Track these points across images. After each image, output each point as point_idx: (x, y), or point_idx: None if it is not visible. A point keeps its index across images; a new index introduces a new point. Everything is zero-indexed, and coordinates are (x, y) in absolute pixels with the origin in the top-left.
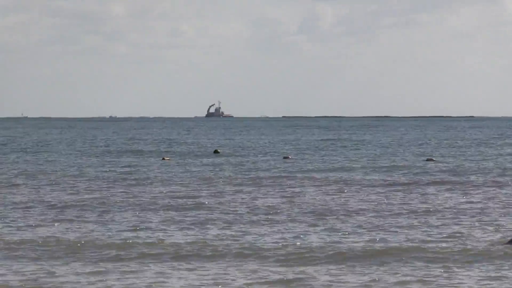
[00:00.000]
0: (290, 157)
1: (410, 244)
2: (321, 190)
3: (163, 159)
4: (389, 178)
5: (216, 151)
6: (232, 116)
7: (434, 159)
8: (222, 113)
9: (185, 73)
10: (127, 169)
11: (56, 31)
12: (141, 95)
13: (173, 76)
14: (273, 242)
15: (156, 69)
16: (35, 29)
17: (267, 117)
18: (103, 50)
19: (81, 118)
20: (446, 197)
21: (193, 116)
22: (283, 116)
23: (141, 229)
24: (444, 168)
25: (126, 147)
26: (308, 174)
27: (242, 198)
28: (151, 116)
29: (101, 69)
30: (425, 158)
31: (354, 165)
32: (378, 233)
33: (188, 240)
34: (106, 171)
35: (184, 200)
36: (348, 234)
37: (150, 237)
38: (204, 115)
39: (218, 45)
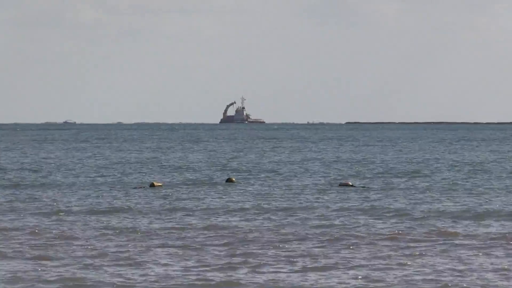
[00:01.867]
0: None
1: None
2: None
3: (152, 185)
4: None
5: (230, 180)
6: (262, 122)
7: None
8: (248, 116)
9: (185, 55)
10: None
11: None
12: (118, 94)
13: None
14: None
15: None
16: None
17: (321, 123)
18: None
19: (28, 124)
20: None
21: (202, 121)
22: (347, 123)
23: None
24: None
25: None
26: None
27: None
28: (135, 122)
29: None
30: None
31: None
32: None
33: None
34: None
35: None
36: None
37: None
38: (219, 121)
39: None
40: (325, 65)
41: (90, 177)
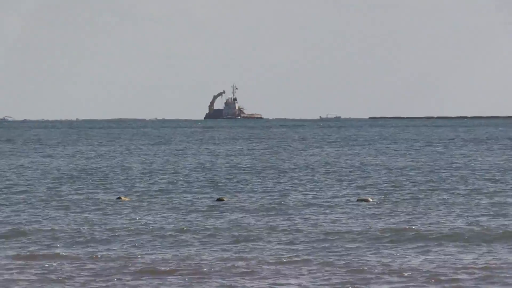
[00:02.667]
0: None
1: None
2: None
3: (119, 198)
4: None
5: (220, 200)
6: (260, 117)
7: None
8: (241, 110)
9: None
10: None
11: None
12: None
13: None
14: None
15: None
16: None
17: (337, 117)
18: None
19: None
20: None
21: (185, 117)
22: (371, 118)
23: None
24: None
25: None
26: None
27: None
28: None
29: None
30: None
31: None
32: None
33: None
34: None
35: None
36: None
37: None
38: (204, 115)
39: None
40: (338, 47)
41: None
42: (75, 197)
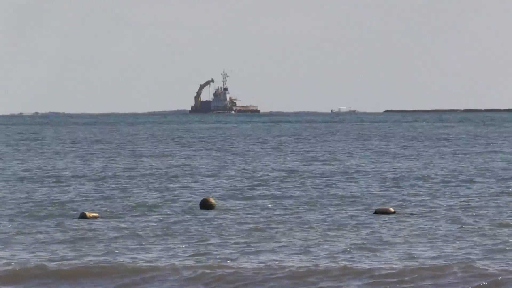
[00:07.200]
0: None
1: None
2: None
3: (84, 215)
4: None
5: (207, 204)
6: (256, 110)
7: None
8: (233, 102)
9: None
10: None
11: None
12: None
13: None
14: None
15: None
16: None
17: (351, 110)
18: None
19: None
20: None
21: (171, 108)
22: (385, 111)
23: None
24: None
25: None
26: None
27: None
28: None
29: None
30: None
31: None
32: None
33: None
34: None
35: None
36: None
37: None
38: (189, 108)
39: None
40: (351, 27)
41: None
42: None
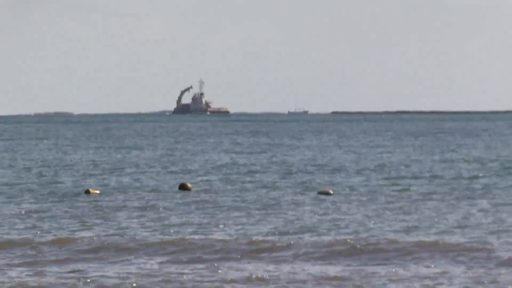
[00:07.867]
0: None
1: None
2: None
3: (88, 191)
4: None
5: (183, 186)
6: (226, 111)
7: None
8: (208, 105)
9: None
10: None
11: None
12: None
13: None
14: None
15: None
16: None
17: (304, 111)
18: None
19: None
20: None
21: (154, 110)
22: (332, 112)
23: None
24: None
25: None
26: None
27: None
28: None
29: None
30: None
31: None
32: None
33: None
34: None
35: None
36: None
37: None
38: (172, 110)
39: None
40: (307, 37)
41: None
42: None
